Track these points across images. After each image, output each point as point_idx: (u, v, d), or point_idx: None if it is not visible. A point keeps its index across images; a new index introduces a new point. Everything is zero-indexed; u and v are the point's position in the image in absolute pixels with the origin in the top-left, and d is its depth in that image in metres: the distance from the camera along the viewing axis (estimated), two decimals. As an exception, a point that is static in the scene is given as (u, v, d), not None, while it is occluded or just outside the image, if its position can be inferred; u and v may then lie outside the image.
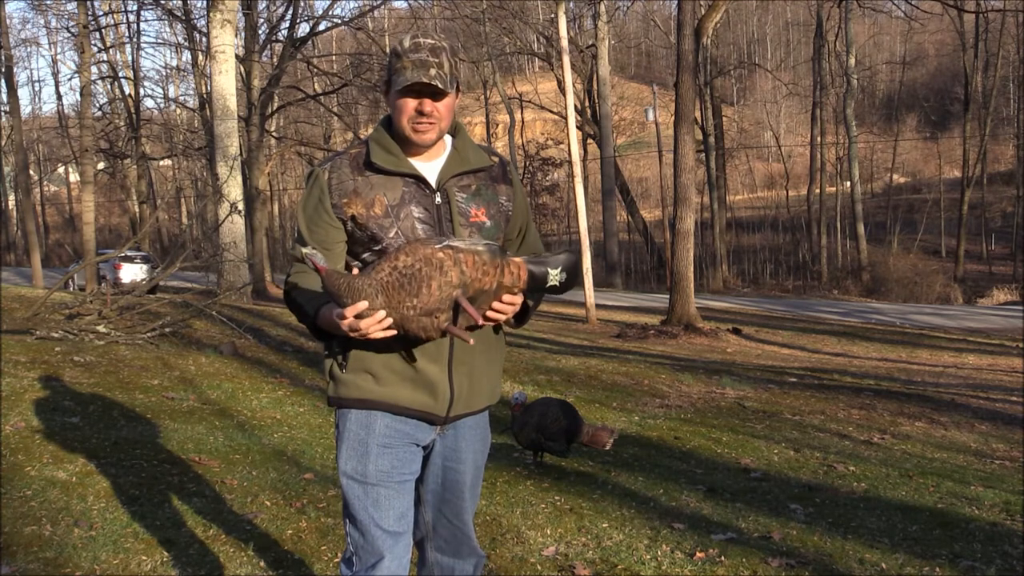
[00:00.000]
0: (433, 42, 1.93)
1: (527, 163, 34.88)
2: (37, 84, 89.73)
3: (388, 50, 2.01)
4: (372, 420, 2.01)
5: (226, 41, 14.28)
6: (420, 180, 2.00)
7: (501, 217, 2.07)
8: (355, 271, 1.90)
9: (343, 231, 1.98)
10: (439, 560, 2.19)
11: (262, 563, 3.09)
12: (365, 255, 1.99)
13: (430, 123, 1.95)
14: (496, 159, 2.11)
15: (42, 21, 47.25)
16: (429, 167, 2.02)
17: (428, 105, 1.94)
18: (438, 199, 2.00)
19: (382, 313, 1.79)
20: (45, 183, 50.44)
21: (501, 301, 1.90)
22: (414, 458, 2.05)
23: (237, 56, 17.52)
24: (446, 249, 1.80)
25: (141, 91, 29.30)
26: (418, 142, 1.97)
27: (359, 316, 1.79)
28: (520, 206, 2.13)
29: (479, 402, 2.08)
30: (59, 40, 42.40)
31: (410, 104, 1.94)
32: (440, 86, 1.91)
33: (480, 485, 2.22)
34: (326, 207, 1.97)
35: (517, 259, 1.91)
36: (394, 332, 1.83)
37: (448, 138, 2.08)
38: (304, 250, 1.84)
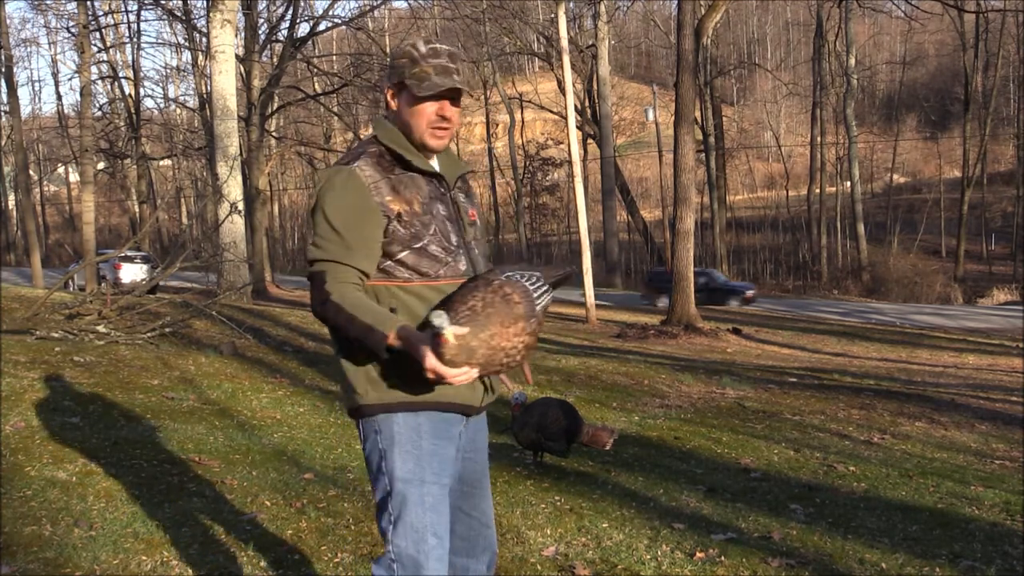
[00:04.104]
0: (450, 48, 1.95)
1: (527, 163, 34.90)
2: (37, 84, 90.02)
3: (395, 53, 1.96)
4: (419, 421, 1.98)
5: (226, 41, 14.28)
6: (439, 179, 2.02)
7: (481, 218, 2.16)
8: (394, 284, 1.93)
9: (383, 230, 1.93)
10: (453, 562, 2.14)
11: (262, 563, 3.08)
12: (402, 254, 1.94)
13: (447, 128, 1.98)
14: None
15: (42, 21, 47.59)
16: (436, 167, 2.05)
17: (449, 110, 1.96)
18: (451, 198, 2.04)
19: (475, 372, 1.84)
20: (45, 183, 50.46)
21: None
22: (454, 460, 2.05)
23: (237, 56, 17.53)
24: (536, 319, 1.92)
25: (141, 91, 29.35)
26: (434, 148, 1.99)
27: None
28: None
29: (494, 393, 2.12)
30: (59, 40, 42.46)
31: (430, 109, 1.95)
32: (466, 89, 1.96)
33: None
34: (371, 205, 1.91)
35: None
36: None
37: None
38: (437, 321, 1.75)
